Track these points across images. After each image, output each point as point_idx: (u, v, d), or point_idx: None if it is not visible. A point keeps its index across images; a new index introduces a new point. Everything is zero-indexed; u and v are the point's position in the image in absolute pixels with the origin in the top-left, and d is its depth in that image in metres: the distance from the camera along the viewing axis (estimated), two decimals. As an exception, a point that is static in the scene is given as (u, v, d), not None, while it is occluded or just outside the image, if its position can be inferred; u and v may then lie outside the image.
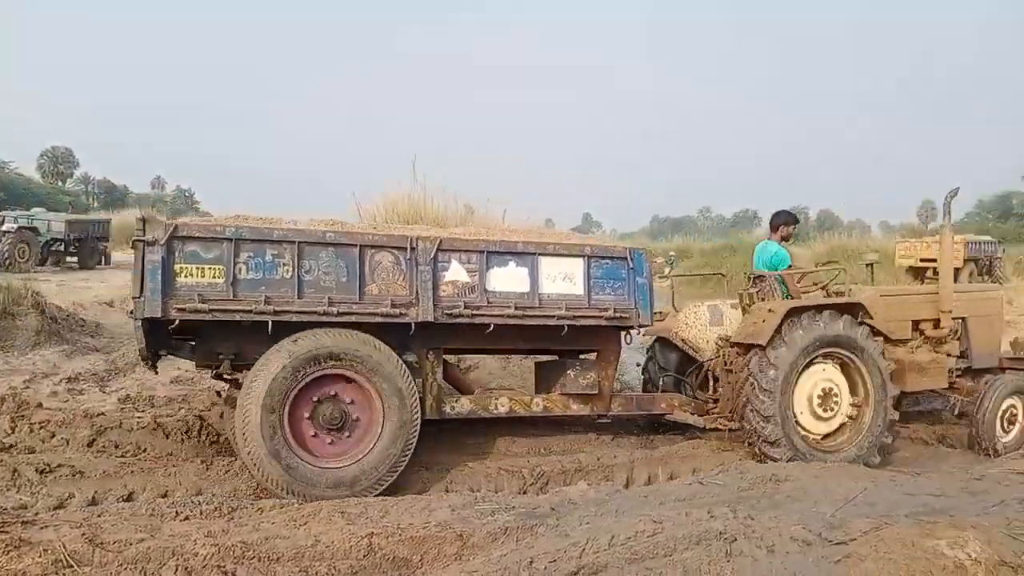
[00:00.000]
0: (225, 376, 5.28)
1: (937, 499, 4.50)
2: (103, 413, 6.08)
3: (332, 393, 4.86)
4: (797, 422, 6.06)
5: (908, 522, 3.65)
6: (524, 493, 5.04)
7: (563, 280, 5.43)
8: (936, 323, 7.09)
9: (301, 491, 4.59)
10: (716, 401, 6.43)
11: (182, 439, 5.71)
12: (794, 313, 6.04)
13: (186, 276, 4.47)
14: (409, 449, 4.98)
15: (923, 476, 5.42)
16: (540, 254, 5.37)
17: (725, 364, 6.38)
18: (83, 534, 3.46)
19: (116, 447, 5.48)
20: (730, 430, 6.30)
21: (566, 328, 5.46)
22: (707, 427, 6.45)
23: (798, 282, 6.88)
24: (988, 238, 26.38)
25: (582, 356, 6.04)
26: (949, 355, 7.10)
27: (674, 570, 3.35)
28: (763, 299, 6.69)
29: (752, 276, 7.01)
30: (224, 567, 3.30)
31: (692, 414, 6.56)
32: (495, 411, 5.59)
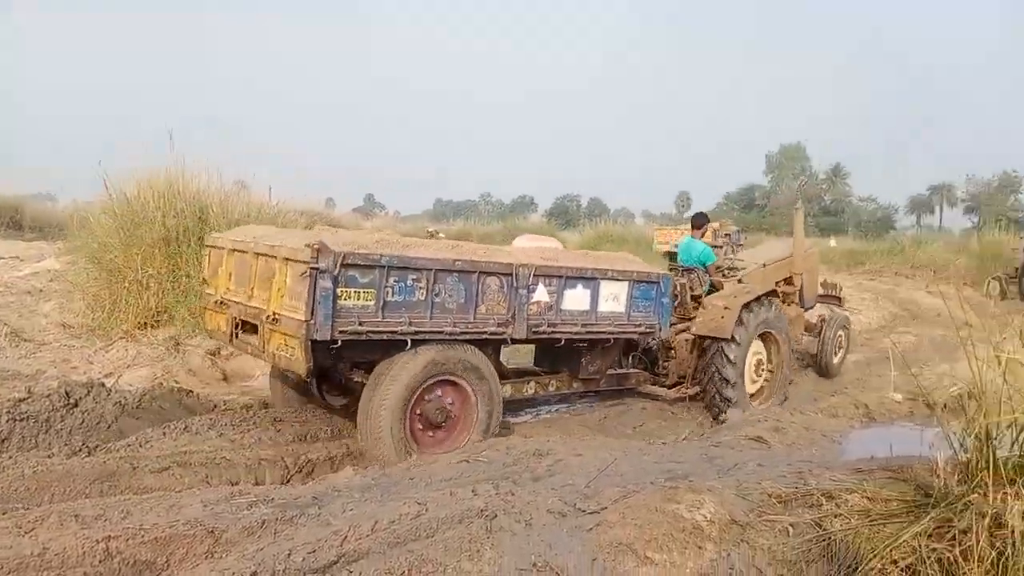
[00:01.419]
0: (349, 376, 5.78)
1: (680, 466, 4.85)
2: None
3: (439, 395, 5.46)
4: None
5: (653, 489, 3.89)
6: (287, 483, 4.85)
7: (612, 300, 6.33)
8: (788, 280, 9.10)
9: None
10: (666, 375, 7.75)
11: None
12: (745, 306, 7.48)
13: (346, 299, 4.80)
14: (493, 431, 5.73)
15: (668, 445, 5.85)
16: (602, 278, 6.21)
17: (665, 344, 7.61)
18: None
19: None
20: (691, 396, 7.74)
21: (612, 340, 6.59)
22: (672, 397, 7.72)
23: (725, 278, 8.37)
24: (733, 227, 29.19)
25: None
26: (793, 303, 9.15)
27: (436, 550, 3.36)
28: (692, 288, 8.19)
29: (680, 269, 8.31)
30: (-73, 586, 2.88)
31: (654, 386, 7.87)
32: (524, 394, 6.39)
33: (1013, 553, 2.83)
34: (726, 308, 7.40)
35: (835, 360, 9.54)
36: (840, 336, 9.68)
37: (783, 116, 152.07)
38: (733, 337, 7.31)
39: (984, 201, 65.67)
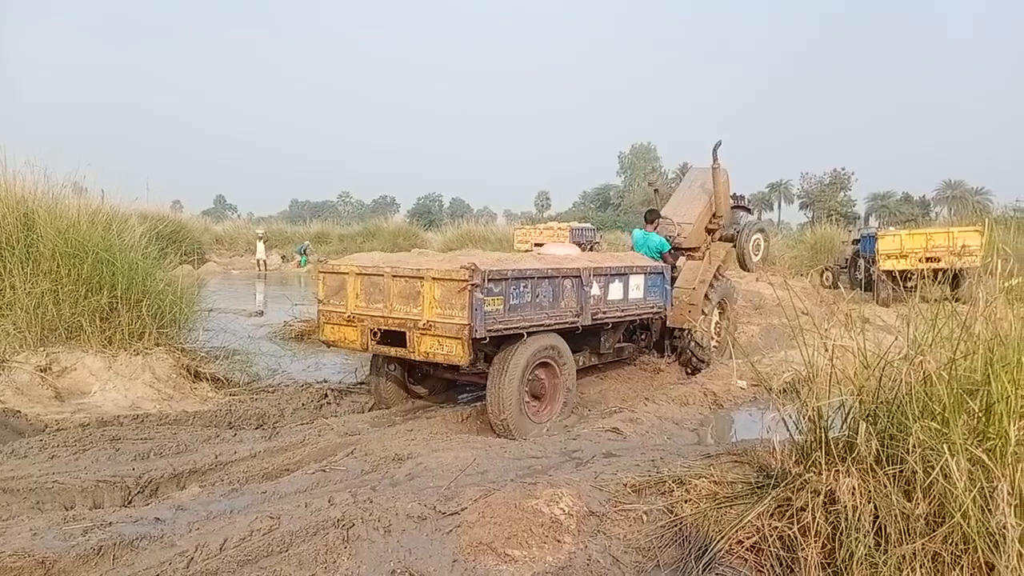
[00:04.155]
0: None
1: (539, 461, 4.91)
2: None
3: (538, 374, 6.83)
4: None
5: (513, 486, 3.91)
6: (128, 505, 4.54)
7: (636, 289, 8.01)
8: (713, 218, 10.49)
9: (525, 436, 6.34)
10: (646, 345, 9.53)
11: None
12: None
13: (487, 305, 6.03)
14: (571, 404, 7.29)
15: (529, 440, 5.92)
16: (631, 273, 7.91)
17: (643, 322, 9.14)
18: None
19: None
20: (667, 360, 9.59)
21: (637, 320, 8.67)
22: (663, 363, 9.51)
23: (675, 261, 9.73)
24: (589, 225, 30.05)
25: None
26: (719, 232, 10.66)
27: (289, 565, 3.24)
28: None
29: None
30: None
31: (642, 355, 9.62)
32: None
33: (846, 527, 3.01)
34: (691, 304, 9.26)
35: (755, 258, 10.86)
36: (758, 239, 10.90)
37: (636, 116, 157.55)
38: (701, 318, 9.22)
39: (817, 197, 70.70)
